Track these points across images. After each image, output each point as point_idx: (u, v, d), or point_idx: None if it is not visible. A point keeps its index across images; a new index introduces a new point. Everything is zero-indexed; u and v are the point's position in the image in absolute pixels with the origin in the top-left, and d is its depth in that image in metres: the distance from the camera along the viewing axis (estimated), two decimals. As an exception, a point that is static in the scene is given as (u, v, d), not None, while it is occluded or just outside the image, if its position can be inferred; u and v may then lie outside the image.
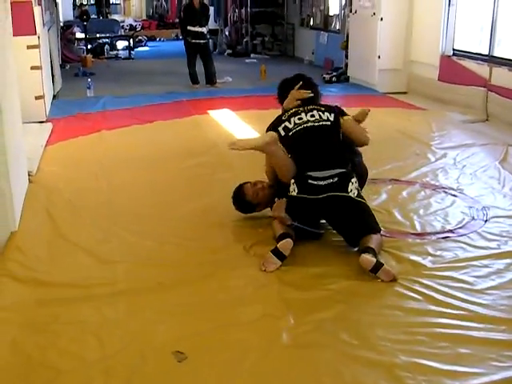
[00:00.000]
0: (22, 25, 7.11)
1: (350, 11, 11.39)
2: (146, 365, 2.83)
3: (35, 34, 7.88)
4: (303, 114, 4.32)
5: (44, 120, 8.09)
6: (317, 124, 4.26)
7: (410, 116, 8.49)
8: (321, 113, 4.32)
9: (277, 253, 3.81)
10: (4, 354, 2.96)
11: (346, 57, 11.70)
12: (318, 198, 3.97)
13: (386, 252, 4.00)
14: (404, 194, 5.17)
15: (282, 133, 4.29)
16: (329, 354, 2.92)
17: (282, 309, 3.34)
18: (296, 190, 4.06)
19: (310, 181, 4.01)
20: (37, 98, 7.99)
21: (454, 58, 9.33)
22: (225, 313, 3.35)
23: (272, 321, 3.23)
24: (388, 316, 3.26)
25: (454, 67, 9.23)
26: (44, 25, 8.99)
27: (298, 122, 4.29)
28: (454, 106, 8.80)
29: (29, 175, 5.51)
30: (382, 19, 10.07)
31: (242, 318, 3.28)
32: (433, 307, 3.33)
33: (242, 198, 4.55)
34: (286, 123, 4.29)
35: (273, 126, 4.38)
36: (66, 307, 3.39)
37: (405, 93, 10.28)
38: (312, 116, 4.30)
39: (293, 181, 4.10)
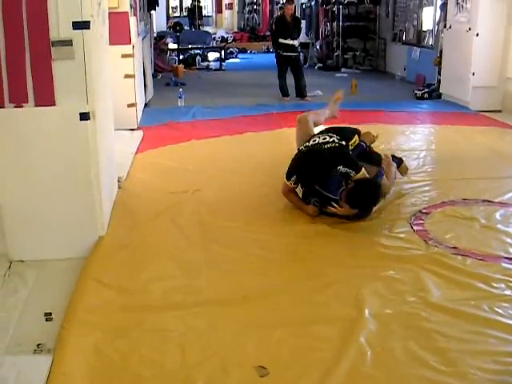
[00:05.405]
0: (118, 34, 7.26)
1: (445, 26, 11.15)
2: (226, 377, 2.80)
3: (130, 43, 8.06)
4: None
5: (135, 127, 8.24)
6: None
7: (505, 136, 8.17)
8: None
9: None
10: (88, 356, 2.99)
11: (439, 73, 11.43)
12: None
13: (478, 275, 3.85)
14: (497, 215, 4.96)
15: None
16: (417, 382, 2.82)
17: (366, 324, 3.27)
18: None
19: None
20: (129, 105, 8.15)
21: (554, 75, 8.98)
22: (310, 328, 3.29)
23: (355, 339, 3.14)
24: (478, 343, 3.12)
25: (554, 85, 8.89)
26: (138, 34, 9.18)
27: None
28: (551, 127, 8.45)
29: (118, 181, 5.60)
30: (477, 35, 9.78)
31: (326, 334, 3.22)
32: (526, 336, 3.18)
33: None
34: None
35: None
36: (148, 314, 3.40)
37: (499, 111, 9.92)
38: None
39: None
